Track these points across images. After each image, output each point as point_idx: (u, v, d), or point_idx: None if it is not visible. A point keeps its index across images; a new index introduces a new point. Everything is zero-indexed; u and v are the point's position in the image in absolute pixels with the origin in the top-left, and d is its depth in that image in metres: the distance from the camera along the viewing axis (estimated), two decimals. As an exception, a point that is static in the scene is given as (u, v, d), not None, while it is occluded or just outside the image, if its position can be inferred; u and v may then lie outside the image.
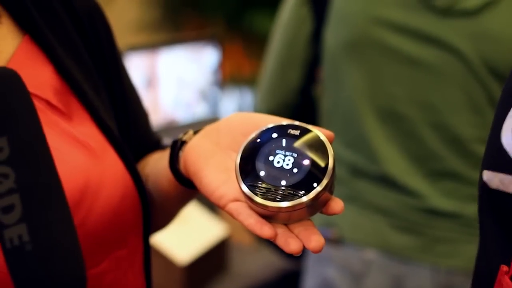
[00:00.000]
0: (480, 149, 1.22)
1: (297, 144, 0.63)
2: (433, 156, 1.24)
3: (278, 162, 0.62)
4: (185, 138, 0.74)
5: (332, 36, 1.28)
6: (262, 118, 0.67)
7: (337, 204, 0.62)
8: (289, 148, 0.63)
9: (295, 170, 0.62)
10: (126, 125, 0.83)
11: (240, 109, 3.18)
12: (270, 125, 0.65)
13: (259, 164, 0.63)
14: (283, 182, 0.61)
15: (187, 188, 0.75)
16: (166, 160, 0.77)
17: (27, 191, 0.57)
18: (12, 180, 0.56)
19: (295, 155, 0.62)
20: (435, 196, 1.26)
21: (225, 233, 1.99)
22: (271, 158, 0.63)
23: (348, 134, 1.30)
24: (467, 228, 1.24)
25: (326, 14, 1.30)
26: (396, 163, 1.26)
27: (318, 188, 0.60)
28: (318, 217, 0.63)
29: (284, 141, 0.63)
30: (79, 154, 0.71)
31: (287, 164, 0.62)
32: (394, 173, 1.26)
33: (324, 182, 0.61)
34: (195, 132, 0.73)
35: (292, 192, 0.61)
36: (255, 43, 3.04)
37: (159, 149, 0.89)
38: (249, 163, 0.63)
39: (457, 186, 1.25)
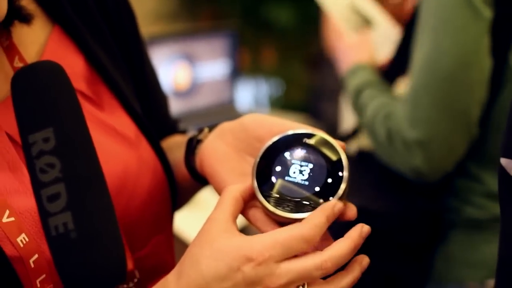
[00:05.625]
0: None
1: (312, 154, 0.64)
2: None
3: (294, 173, 0.63)
4: (200, 137, 0.75)
5: None
6: (275, 123, 0.68)
7: (350, 210, 0.62)
8: (304, 158, 0.64)
9: (310, 181, 0.62)
10: (148, 109, 0.83)
11: (256, 99, 3.20)
12: (286, 133, 0.65)
13: (274, 174, 0.64)
14: (299, 193, 0.62)
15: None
16: (181, 153, 0.78)
17: (72, 180, 0.58)
18: (58, 170, 0.58)
19: (311, 165, 0.63)
20: None
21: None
22: (286, 168, 0.63)
23: None
24: None
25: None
26: None
27: (334, 199, 0.61)
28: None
29: (299, 150, 0.64)
30: (116, 143, 0.72)
31: (303, 175, 0.63)
32: None
33: (340, 193, 0.61)
34: (210, 129, 0.74)
35: (307, 203, 0.61)
36: (272, 34, 3.05)
37: (177, 132, 0.91)
38: (265, 173, 0.64)
39: None
